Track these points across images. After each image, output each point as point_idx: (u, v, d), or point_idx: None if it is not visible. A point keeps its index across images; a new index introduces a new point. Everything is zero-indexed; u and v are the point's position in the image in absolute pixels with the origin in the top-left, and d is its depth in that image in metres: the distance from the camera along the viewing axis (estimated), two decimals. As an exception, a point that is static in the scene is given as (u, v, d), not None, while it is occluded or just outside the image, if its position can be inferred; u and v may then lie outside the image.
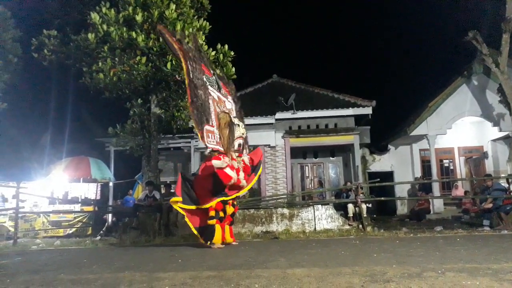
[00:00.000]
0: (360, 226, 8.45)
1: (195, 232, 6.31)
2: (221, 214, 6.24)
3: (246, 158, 6.81)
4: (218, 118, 6.43)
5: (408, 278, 3.23)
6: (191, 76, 5.93)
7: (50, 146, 16.60)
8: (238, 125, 6.56)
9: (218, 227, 6.17)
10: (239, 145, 6.53)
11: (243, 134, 6.62)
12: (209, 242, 6.05)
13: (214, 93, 6.72)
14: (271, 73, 18.63)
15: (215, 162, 5.84)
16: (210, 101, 6.35)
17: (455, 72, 14.73)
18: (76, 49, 9.66)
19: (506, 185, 9.35)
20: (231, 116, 6.62)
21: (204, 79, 6.45)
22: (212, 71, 7.14)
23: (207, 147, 5.95)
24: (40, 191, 11.22)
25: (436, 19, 42.62)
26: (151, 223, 8.76)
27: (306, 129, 15.13)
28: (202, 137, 5.74)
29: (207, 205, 6.11)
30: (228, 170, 5.93)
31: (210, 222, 6.11)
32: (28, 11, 12.09)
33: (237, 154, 6.46)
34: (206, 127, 5.88)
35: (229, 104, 7.33)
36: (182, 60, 6.03)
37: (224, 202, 6.32)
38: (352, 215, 9.18)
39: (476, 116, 14.12)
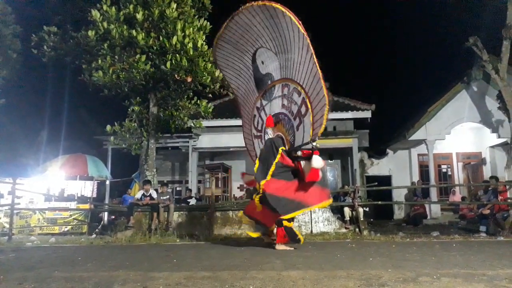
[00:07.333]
0: (357, 229, 8.44)
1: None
2: None
3: None
4: None
5: (403, 283, 3.22)
6: None
7: (47, 143, 16.57)
8: None
9: (291, 226, 5.91)
10: None
11: None
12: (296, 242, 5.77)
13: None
14: (270, 75, 18.43)
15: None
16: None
17: (455, 77, 14.72)
18: (76, 46, 9.67)
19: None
20: None
21: None
22: None
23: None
24: (36, 187, 11.17)
25: (436, 24, 42.80)
26: (147, 222, 8.75)
27: (304, 131, 15.05)
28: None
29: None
30: None
31: (289, 224, 5.80)
32: (29, 7, 12.08)
33: None
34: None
35: None
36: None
37: None
38: (348, 218, 9.18)
39: (475, 122, 14.13)
